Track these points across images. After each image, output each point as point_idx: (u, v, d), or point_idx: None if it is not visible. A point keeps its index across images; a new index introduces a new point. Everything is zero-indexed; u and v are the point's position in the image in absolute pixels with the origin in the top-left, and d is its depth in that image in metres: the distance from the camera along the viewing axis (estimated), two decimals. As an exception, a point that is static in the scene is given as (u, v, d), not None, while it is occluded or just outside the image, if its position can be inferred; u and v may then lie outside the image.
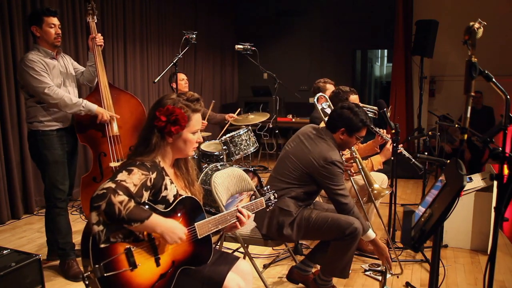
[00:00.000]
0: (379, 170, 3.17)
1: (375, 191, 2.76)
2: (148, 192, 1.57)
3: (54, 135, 2.79)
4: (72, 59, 3.03)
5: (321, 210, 2.45)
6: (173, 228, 1.54)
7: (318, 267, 2.56)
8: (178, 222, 1.59)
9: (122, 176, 1.50)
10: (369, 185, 2.77)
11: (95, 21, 2.99)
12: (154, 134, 1.64)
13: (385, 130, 3.15)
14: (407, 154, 2.91)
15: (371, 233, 2.37)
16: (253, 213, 1.90)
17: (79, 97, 2.91)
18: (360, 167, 2.76)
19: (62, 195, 2.83)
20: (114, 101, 2.99)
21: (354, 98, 3.11)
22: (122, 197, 1.42)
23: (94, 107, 2.83)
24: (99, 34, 2.96)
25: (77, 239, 3.49)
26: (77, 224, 3.90)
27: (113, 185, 1.44)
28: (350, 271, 2.75)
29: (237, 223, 1.76)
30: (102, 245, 1.43)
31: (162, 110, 1.63)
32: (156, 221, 1.50)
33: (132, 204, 1.44)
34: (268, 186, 2.04)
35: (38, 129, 2.76)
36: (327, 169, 2.30)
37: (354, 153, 2.73)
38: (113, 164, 2.91)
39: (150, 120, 1.67)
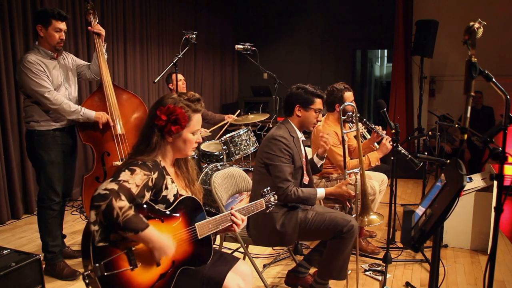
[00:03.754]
0: (376, 168, 3.15)
1: (366, 219, 2.60)
2: (150, 192, 1.57)
3: (50, 135, 2.77)
4: (74, 56, 3.00)
5: (316, 210, 2.42)
6: (165, 247, 1.51)
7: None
8: (172, 241, 1.55)
9: (124, 176, 1.50)
10: (364, 213, 2.61)
11: (97, 20, 2.97)
12: (155, 133, 1.65)
13: (381, 127, 3.14)
14: (403, 150, 2.90)
15: (321, 192, 2.40)
16: (251, 215, 1.90)
17: (80, 95, 2.89)
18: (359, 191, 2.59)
19: (57, 197, 2.81)
20: (117, 100, 2.97)
21: (348, 95, 3.10)
22: (123, 202, 1.42)
23: (92, 114, 2.82)
24: (98, 25, 2.94)
25: (77, 239, 3.49)
26: (77, 224, 3.90)
27: (116, 187, 1.43)
28: (350, 272, 2.76)
29: (234, 226, 1.76)
30: (100, 244, 1.42)
31: (163, 109, 1.63)
32: (150, 235, 1.47)
33: (131, 212, 1.43)
34: (269, 188, 2.03)
35: (35, 129, 2.74)
36: (268, 146, 2.35)
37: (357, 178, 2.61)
38: (117, 163, 2.90)
39: (150, 119, 1.67)
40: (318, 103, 2.45)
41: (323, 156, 2.65)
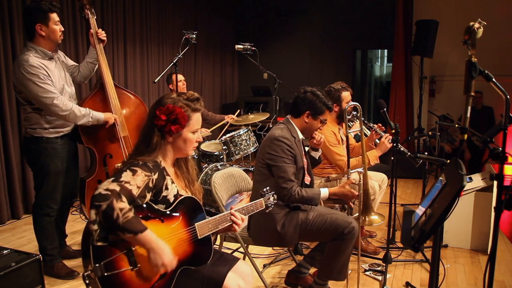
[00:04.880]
0: (376, 168, 3.14)
1: (368, 219, 2.62)
2: (150, 193, 1.57)
3: (59, 143, 2.70)
4: (65, 55, 2.89)
5: (317, 211, 2.41)
6: (162, 251, 1.49)
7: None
8: (170, 249, 1.53)
9: (126, 176, 1.50)
10: (365, 212, 2.62)
11: (95, 16, 2.85)
12: (155, 133, 1.65)
13: (379, 124, 3.14)
14: (402, 148, 2.90)
15: (324, 192, 2.38)
16: (251, 214, 1.90)
17: (78, 95, 2.84)
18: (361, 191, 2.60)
19: (55, 204, 2.76)
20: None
21: (346, 95, 3.10)
22: (124, 204, 1.42)
23: (101, 116, 2.75)
24: (100, 29, 2.84)
25: (77, 239, 3.49)
26: (77, 224, 3.90)
27: (117, 188, 1.43)
28: (350, 271, 2.76)
29: (234, 225, 1.76)
30: (99, 243, 1.42)
31: (163, 109, 1.63)
32: (149, 237, 1.47)
33: (131, 214, 1.43)
34: (268, 188, 2.03)
35: (42, 136, 2.64)
36: (270, 147, 2.33)
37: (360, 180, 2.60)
38: (119, 166, 2.85)
39: (150, 119, 1.67)
40: (326, 114, 2.45)
41: (314, 147, 2.61)
